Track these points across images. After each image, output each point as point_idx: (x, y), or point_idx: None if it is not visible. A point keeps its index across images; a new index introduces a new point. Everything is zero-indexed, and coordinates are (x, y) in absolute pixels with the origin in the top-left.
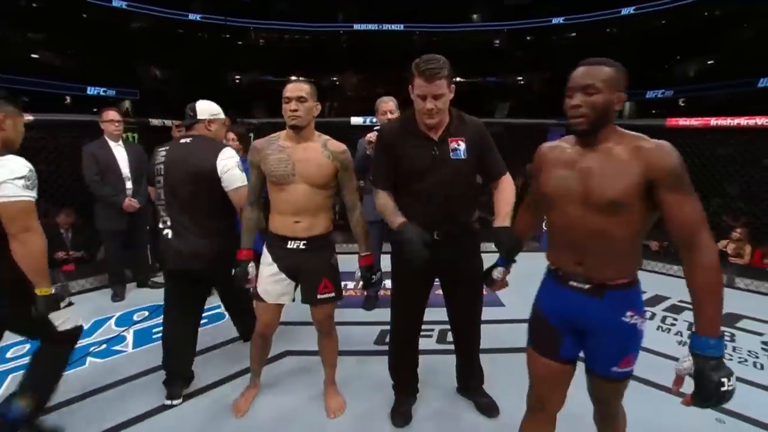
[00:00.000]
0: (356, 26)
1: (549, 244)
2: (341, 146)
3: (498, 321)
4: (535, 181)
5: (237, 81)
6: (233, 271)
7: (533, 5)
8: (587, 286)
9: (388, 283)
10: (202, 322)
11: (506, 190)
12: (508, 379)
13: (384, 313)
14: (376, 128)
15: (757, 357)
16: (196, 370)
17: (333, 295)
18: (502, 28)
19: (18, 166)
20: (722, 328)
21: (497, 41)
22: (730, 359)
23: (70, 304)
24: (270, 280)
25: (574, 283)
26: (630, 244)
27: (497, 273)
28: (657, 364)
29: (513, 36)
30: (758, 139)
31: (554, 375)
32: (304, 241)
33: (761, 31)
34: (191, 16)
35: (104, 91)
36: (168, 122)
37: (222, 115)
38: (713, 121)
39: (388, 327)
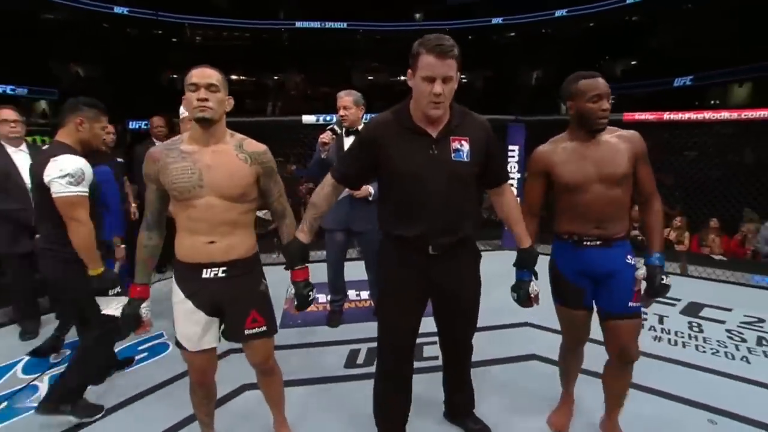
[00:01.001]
0: (298, 24)
1: (564, 219)
2: (261, 146)
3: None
4: (539, 179)
5: (173, 80)
6: (122, 311)
7: (474, 6)
8: (599, 242)
9: (351, 294)
10: (139, 357)
11: (513, 202)
12: (495, 395)
13: (352, 330)
14: (329, 127)
15: (726, 347)
16: (138, 417)
17: (264, 329)
18: (445, 27)
19: (65, 164)
20: (688, 319)
21: None
22: (703, 352)
23: (119, 294)
24: (186, 321)
25: (588, 243)
26: (627, 206)
27: (535, 287)
28: (642, 365)
29: (455, 35)
30: (676, 132)
31: (584, 320)
32: (223, 268)
33: (675, 37)
34: (117, 9)
35: (12, 90)
36: None
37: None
38: (666, 116)
39: (358, 346)
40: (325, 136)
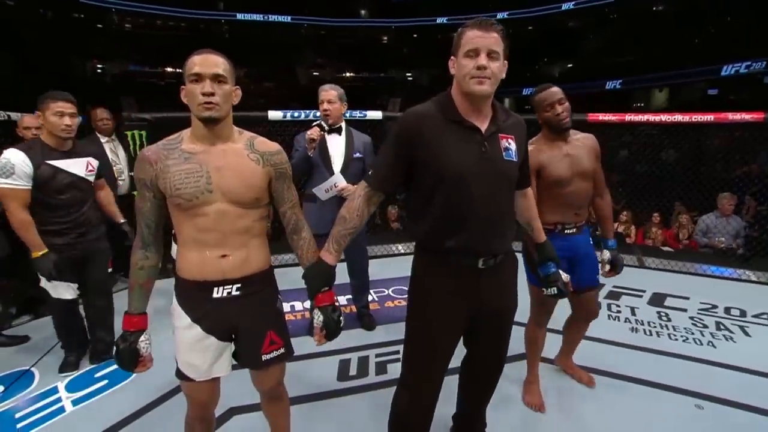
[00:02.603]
0: (240, 16)
1: (548, 210)
2: (274, 146)
3: None
4: (534, 177)
5: (99, 71)
6: (115, 347)
7: (418, 5)
8: (574, 230)
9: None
10: (99, 386)
11: (534, 201)
12: (496, 399)
13: (338, 338)
14: (315, 123)
15: (693, 334)
16: None
17: (282, 351)
18: (390, 24)
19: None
20: (656, 309)
21: (385, 38)
22: (676, 340)
23: (56, 278)
24: (192, 348)
25: (569, 230)
26: (590, 195)
27: (566, 275)
28: (626, 357)
29: (400, 33)
30: (611, 133)
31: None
32: (238, 285)
33: (604, 43)
34: None
35: None
36: (13, 115)
37: None
38: (627, 117)
39: (347, 356)
40: (314, 132)
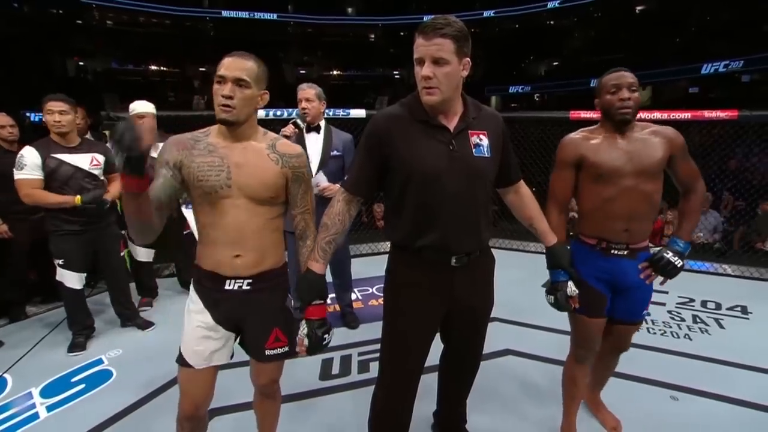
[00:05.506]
0: (225, 13)
1: (591, 220)
2: (296, 148)
3: None
4: (569, 170)
5: (82, 68)
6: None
7: (403, 2)
8: (626, 252)
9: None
10: (75, 390)
11: (532, 198)
12: (480, 395)
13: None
14: (291, 120)
15: (670, 327)
16: None
17: (286, 349)
18: (377, 22)
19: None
20: None
21: (372, 36)
22: (654, 333)
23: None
24: (197, 334)
25: (615, 251)
26: (656, 207)
27: (573, 288)
28: None
29: (387, 31)
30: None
31: (600, 328)
32: (249, 280)
33: (590, 42)
34: None
35: None
36: None
37: (134, 111)
38: None
39: (330, 355)
40: (288, 129)
